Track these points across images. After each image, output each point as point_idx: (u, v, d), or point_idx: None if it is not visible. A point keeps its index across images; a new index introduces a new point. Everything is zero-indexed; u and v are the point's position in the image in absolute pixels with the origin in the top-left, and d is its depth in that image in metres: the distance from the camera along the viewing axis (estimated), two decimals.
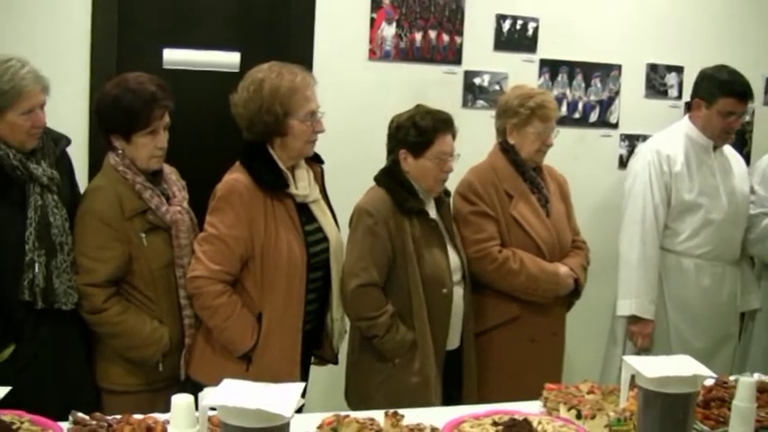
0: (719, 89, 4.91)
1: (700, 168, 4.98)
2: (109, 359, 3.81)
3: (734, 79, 4.93)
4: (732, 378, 3.43)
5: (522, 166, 4.45)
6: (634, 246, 4.94)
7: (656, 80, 6.08)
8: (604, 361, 5.34)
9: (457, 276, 4.17)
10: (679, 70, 6.11)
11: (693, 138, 5.00)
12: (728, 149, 5.19)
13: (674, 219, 4.98)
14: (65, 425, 2.86)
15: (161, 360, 3.77)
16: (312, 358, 4.11)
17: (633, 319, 4.97)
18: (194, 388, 2.45)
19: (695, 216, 4.97)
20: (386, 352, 4.03)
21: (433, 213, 4.15)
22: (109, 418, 2.89)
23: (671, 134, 5.09)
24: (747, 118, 6.02)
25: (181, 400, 2.36)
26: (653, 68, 6.08)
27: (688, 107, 5.22)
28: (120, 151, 3.76)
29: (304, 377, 3.95)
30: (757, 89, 5.89)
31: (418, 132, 4.06)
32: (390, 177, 4.14)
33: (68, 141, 3.92)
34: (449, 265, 4.09)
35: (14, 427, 2.79)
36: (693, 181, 4.96)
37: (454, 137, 4.13)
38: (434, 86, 5.49)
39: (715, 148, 5.05)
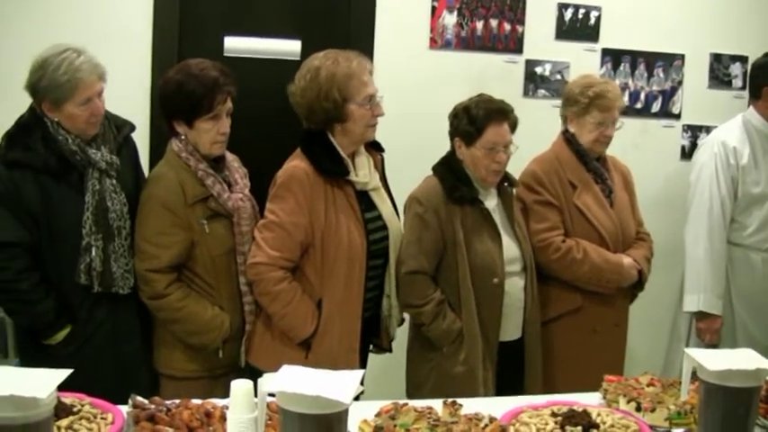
0: None
1: (766, 160, 4.90)
2: (169, 345, 3.84)
3: None
4: None
5: (585, 155, 4.41)
6: (701, 240, 4.86)
7: (720, 70, 6.00)
8: (667, 356, 5.28)
9: (515, 267, 4.13)
10: (743, 60, 6.02)
11: (759, 128, 4.92)
12: None
13: (740, 212, 4.90)
14: (123, 408, 2.88)
15: (221, 346, 3.79)
16: (370, 346, 4.11)
17: (700, 315, 4.90)
18: (253, 375, 2.45)
19: (762, 209, 4.89)
20: (433, 340, 4.03)
21: (490, 203, 4.12)
22: (168, 402, 2.91)
23: (736, 125, 5.00)
24: None
25: (240, 385, 2.37)
26: (716, 58, 6.00)
27: (755, 94, 5.08)
28: (182, 137, 3.78)
29: (362, 365, 3.94)
30: None
31: (470, 121, 4.04)
32: (446, 166, 4.14)
33: (132, 127, 3.96)
34: (501, 254, 4.07)
35: (75, 409, 2.82)
36: (760, 173, 4.88)
37: (512, 127, 4.08)
38: (495, 76, 5.47)
39: None
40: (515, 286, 4.13)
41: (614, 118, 4.40)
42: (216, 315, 3.76)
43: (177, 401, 2.92)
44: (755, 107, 4.98)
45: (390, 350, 4.14)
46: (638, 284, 4.51)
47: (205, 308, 3.75)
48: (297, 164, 3.78)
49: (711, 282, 4.84)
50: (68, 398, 2.86)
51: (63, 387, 2.56)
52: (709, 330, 4.88)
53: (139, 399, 2.90)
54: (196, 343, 3.77)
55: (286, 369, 2.47)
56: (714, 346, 4.88)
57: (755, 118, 4.94)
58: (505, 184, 4.21)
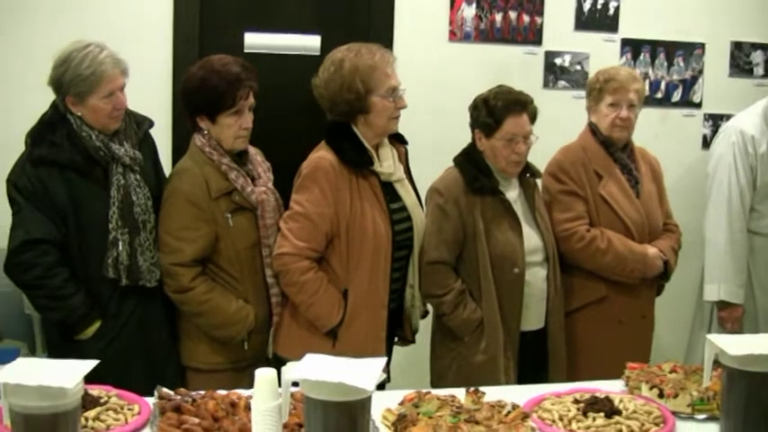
0: None
1: None
2: (194, 338, 3.87)
3: None
4: None
5: (610, 145, 4.41)
6: (721, 230, 4.85)
7: (741, 58, 5.98)
8: (689, 345, 5.28)
9: (537, 257, 4.14)
10: (765, 48, 6.00)
11: None
12: None
13: (760, 201, 4.89)
14: (150, 400, 2.91)
15: (246, 339, 3.82)
16: (395, 339, 4.13)
17: (722, 305, 4.89)
18: (280, 366, 2.47)
19: None
20: (454, 329, 4.05)
21: (511, 193, 4.13)
22: (193, 393, 2.94)
23: (754, 113, 4.97)
24: None
25: (264, 374, 2.40)
26: (737, 46, 5.98)
27: None
28: (205, 132, 3.81)
29: (387, 356, 3.96)
30: None
31: (489, 113, 4.05)
32: (466, 157, 4.16)
33: (151, 123, 3.99)
34: (522, 245, 4.08)
35: (102, 401, 2.86)
36: None
37: (532, 118, 4.09)
38: (515, 67, 5.48)
39: None
40: (537, 276, 4.14)
41: (628, 100, 4.37)
42: (240, 308, 3.79)
43: (203, 392, 2.96)
44: None
45: (414, 341, 4.16)
46: (664, 275, 4.49)
47: (230, 301, 3.78)
48: (322, 155, 3.80)
49: (732, 271, 4.83)
50: (95, 389, 2.90)
51: (92, 380, 2.61)
52: (731, 319, 4.87)
53: (165, 390, 2.94)
54: (221, 336, 3.80)
55: (309, 357, 2.50)
56: (736, 334, 4.87)
57: None
58: (527, 174, 4.22)
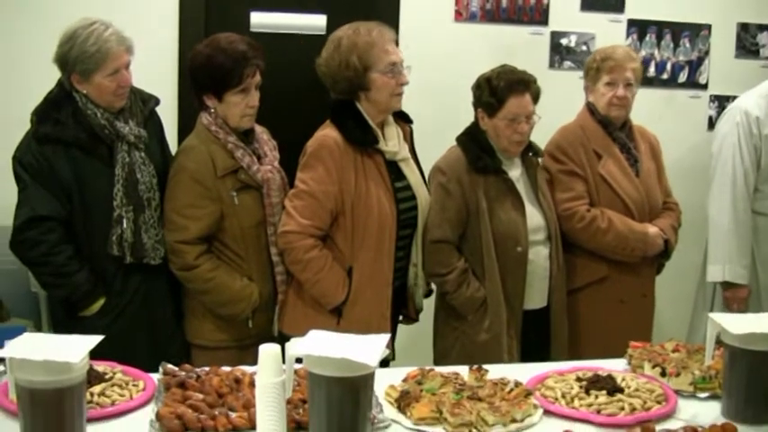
0: None
1: None
2: (199, 315, 3.89)
3: None
4: None
5: (609, 125, 4.41)
6: (725, 210, 4.84)
7: (747, 40, 5.97)
8: (690, 325, 5.27)
9: (539, 236, 4.15)
10: None
11: None
12: None
13: (764, 181, 4.87)
14: (155, 376, 2.94)
15: (251, 317, 3.84)
16: (400, 317, 4.14)
17: (726, 285, 4.89)
18: (285, 344, 2.49)
19: None
20: (457, 308, 4.06)
21: (514, 172, 4.13)
22: (198, 369, 2.96)
23: (759, 95, 4.95)
24: None
25: (268, 349, 2.41)
26: (744, 28, 5.97)
27: None
28: (212, 110, 3.82)
29: (392, 334, 3.98)
30: None
31: (491, 92, 4.05)
32: (469, 137, 4.16)
33: (157, 101, 4.00)
34: (525, 223, 4.09)
35: (107, 376, 2.88)
36: None
37: (535, 98, 4.09)
38: (521, 48, 5.47)
39: None
40: (540, 255, 4.14)
41: (625, 78, 4.37)
42: (245, 286, 3.81)
43: (207, 369, 2.98)
44: None
45: (417, 320, 4.17)
46: (665, 254, 4.50)
47: (234, 279, 3.79)
48: (327, 133, 3.81)
49: (737, 252, 4.81)
50: (101, 366, 2.92)
51: (97, 357, 2.63)
52: (736, 300, 4.86)
53: (170, 366, 2.97)
54: (226, 313, 3.81)
55: (313, 333, 2.52)
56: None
57: None
58: (530, 153, 4.22)
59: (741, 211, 4.82)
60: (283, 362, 2.44)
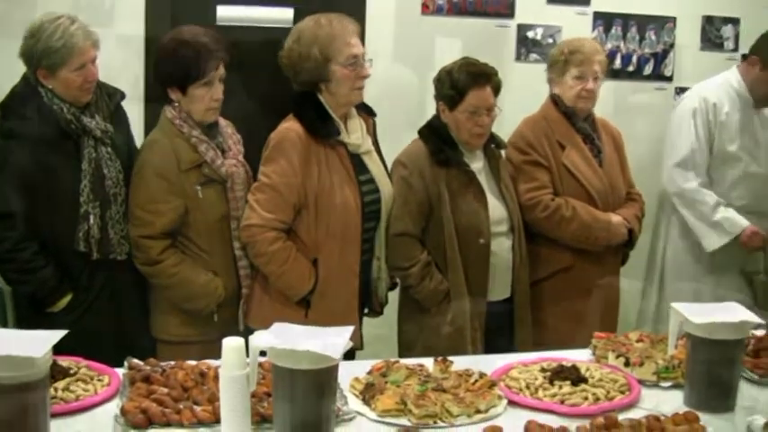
0: None
1: (742, 122, 4.91)
2: (165, 310, 3.88)
3: None
4: None
5: (572, 116, 4.44)
6: (690, 184, 4.85)
7: (712, 32, 6.00)
8: (640, 311, 5.29)
9: (502, 227, 4.16)
10: (735, 22, 6.02)
11: (737, 89, 4.93)
12: None
13: (715, 169, 4.91)
14: (120, 371, 2.93)
15: (216, 311, 3.83)
16: (365, 310, 4.15)
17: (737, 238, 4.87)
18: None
19: (736, 168, 4.90)
20: (421, 301, 4.07)
21: (476, 165, 4.15)
22: (163, 364, 2.96)
23: (717, 84, 5.00)
24: None
25: (231, 343, 2.41)
26: (708, 20, 6.00)
27: (744, 57, 5.11)
28: (176, 104, 3.81)
29: (358, 326, 3.98)
30: None
31: (452, 85, 4.07)
32: (431, 129, 4.18)
33: (123, 95, 3.98)
34: (487, 215, 4.10)
35: (72, 371, 2.88)
36: (736, 133, 4.89)
37: (495, 91, 4.11)
38: (487, 41, 5.48)
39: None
40: (502, 246, 4.16)
41: (593, 71, 4.41)
42: (209, 280, 3.80)
43: (172, 363, 2.98)
44: (738, 68, 5.00)
45: (382, 313, 4.18)
46: (629, 244, 4.54)
47: (198, 274, 3.79)
48: (289, 126, 3.81)
49: (717, 212, 4.84)
50: (65, 360, 2.92)
51: (64, 352, 2.63)
52: (754, 239, 4.88)
53: (135, 361, 2.97)
54: (190, 308, 3.81)
55: (277, 326, 2.52)
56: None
57: (735, 78, 4.96)
58: (492, 145, 4.24)
59: (703, 183, 4.84)
60: (248, 355, 2.45)
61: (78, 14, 3.74)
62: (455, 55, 4.35)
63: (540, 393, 2.90)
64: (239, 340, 2.43)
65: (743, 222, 4.82)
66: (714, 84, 5.00)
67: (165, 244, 3.76)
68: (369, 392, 2.81)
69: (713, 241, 4.86)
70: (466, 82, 4.04)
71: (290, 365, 2.38)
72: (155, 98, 4.12)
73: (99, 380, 2.88)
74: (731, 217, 4.82)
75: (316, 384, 2.42)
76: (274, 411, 2.49)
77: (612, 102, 4.64)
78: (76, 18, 3.70)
